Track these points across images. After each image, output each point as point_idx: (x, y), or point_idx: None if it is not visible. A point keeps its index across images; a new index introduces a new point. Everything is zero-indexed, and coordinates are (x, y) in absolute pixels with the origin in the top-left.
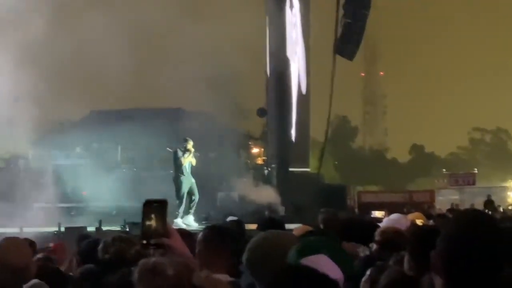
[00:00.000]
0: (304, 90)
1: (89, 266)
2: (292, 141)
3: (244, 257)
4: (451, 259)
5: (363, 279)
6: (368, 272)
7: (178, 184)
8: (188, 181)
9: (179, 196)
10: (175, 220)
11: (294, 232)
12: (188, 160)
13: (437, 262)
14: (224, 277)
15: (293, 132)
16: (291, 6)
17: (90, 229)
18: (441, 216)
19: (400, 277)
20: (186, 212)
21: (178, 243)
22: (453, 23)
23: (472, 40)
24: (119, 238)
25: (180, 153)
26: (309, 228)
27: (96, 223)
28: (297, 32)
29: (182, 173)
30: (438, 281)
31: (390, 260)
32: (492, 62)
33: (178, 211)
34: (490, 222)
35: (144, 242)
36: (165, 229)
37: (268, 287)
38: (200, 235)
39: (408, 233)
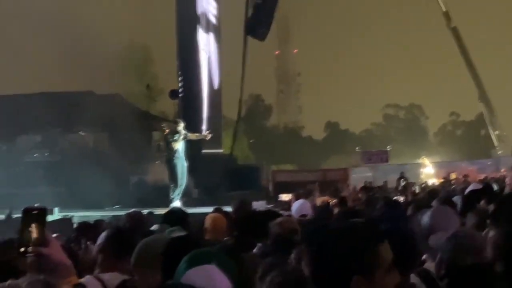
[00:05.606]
0: (216, 71)
1: None
2: (204, 124)
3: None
4: (313, 269)
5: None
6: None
7: (171, 168)
8: (181, 164)
9: (173, 180)
10: (172, 205)
11: (206, 223)
12: (180, 143)
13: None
14: (116, 276)
15: (204, 113)
16: None
17: None
18: (342, 201)
19: (287, 278)
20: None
21: (55, 251)
22: None
23: (386, 15)
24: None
25: (171, 136)
26: (220, 217)
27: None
28: (208, 10)
29: (174, 156)
30: None
31: (291, 256)
32: (405, 38)
33: (172, 195)
34: (342, 237)
35: (22, 250)
36: (43, 238)
37: None
38: (102, 240)
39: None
